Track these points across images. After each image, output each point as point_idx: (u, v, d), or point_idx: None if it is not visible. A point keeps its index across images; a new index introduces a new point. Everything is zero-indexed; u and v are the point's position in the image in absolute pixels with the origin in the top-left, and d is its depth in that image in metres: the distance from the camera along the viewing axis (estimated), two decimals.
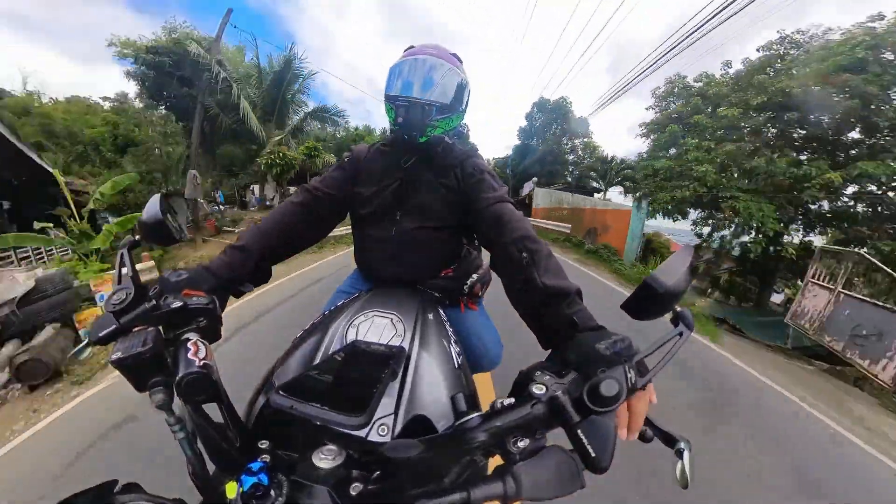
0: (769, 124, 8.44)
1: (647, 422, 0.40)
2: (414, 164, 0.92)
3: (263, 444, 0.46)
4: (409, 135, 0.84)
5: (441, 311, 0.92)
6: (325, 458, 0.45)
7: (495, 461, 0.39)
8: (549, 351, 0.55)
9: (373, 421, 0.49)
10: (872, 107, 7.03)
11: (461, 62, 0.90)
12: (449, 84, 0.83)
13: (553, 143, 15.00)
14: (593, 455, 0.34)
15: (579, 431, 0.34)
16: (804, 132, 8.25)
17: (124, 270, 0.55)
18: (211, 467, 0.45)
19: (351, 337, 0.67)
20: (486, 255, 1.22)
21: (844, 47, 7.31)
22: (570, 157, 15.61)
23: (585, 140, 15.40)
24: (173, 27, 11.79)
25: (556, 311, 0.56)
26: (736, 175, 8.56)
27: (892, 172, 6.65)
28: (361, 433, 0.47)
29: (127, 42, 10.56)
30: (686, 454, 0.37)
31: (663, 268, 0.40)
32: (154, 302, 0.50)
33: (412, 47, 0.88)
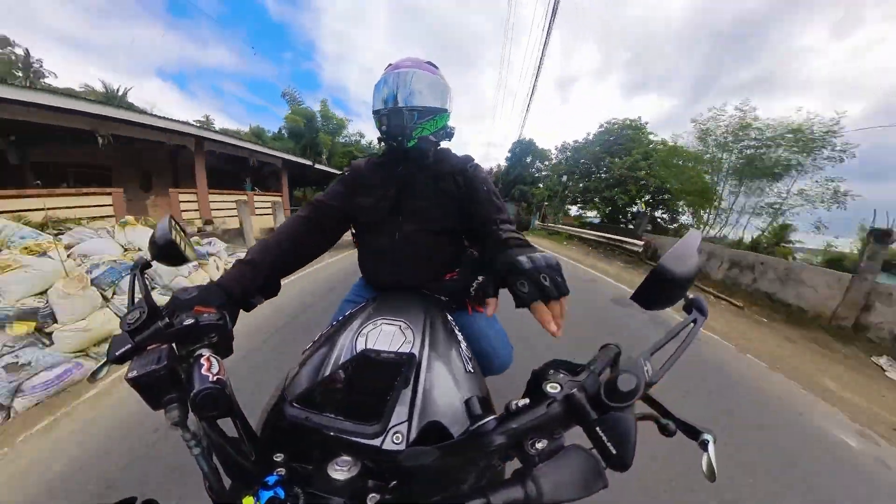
0: (571, 173, 19.54)
1: (668, 414, 0.39)
2: (410, 171, 0.94)
3: (278, 458, 0.45)
4: (396, 141, 0.89)
5: (448, 315, 0.92)
6: (341, 470, 0.45)
7: (512, 465, 0.38)
8: (553, 358, 0.54)
9: (387, 429, 0.48)
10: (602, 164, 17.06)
11: (437, 68, 0.96)
12: (425, 88, 0.88)
13: (522, 169, 24.02)
14: (614, 452, 0.32)
15: (598, 429, 0.33)
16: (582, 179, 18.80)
17: (137, 291, 0.57)
18: (227, 482, 0.45)
19: (360, 346, 0.67)
20: None
21: (600, 136, 17.54)
22: (540, 175, 23.77)
23: (548, 163, 23.60)
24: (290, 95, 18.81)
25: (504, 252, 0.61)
26: (554, 191, 19.87)
27: (593, 186, 16.70)
28: (376, 442, 0.47)
29: (293, 117, 17.76)
30: (711, 446, 0.35)
31: (671, 254, 0.39)
32: (167, 320, 0.50)
33: (390, 65, 0.94)
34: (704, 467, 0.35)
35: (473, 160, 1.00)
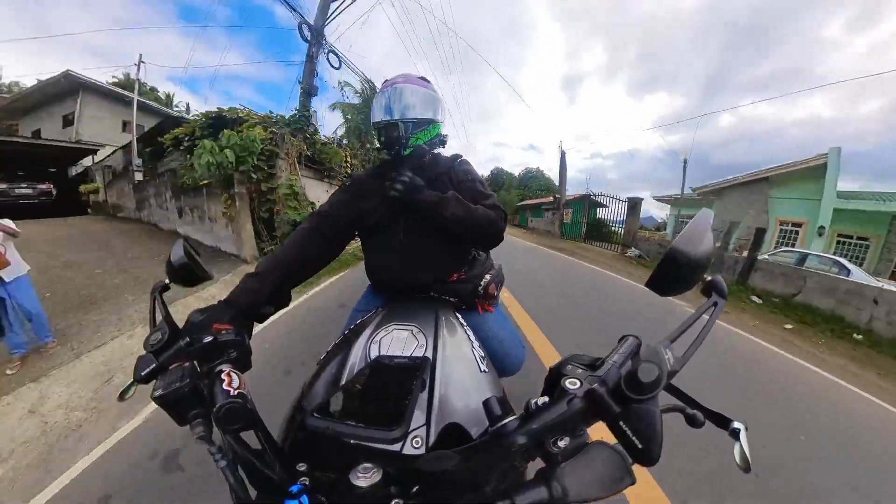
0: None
1: (697, 405, 0.37)
2: None
3: (301, 467, 0.46)
4: (393, 150, 0.96)
5: (459, 316, 0.91)
6: (363, 477, 0.45)
7: (535, 465, 0.37)
8: (569, 355, 0.54)
9: (406, 434, 0.48)
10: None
11: (429, 82, 1.03)
12: (418, 102, 0.95)
13: (498, 185, 36.55)
14: (640, 447, 0.31)
15: (622, 423, 0.32)
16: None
17: (158, 313, 0.58)
18: (253, 493, 0.46)
19: (374, 353, 0.67)
20: (493, 258, 1.22)
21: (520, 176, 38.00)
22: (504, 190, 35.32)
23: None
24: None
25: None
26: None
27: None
28: (396, 448, 0.47)
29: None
30: (743, 434, 0.33)
31: (684, 236, 0.37)
32: (188, 339, 0.52)
33: (386, 81, 1.00)
34: (738, 457, 0.33)
35: (461, 157, 1.07)
